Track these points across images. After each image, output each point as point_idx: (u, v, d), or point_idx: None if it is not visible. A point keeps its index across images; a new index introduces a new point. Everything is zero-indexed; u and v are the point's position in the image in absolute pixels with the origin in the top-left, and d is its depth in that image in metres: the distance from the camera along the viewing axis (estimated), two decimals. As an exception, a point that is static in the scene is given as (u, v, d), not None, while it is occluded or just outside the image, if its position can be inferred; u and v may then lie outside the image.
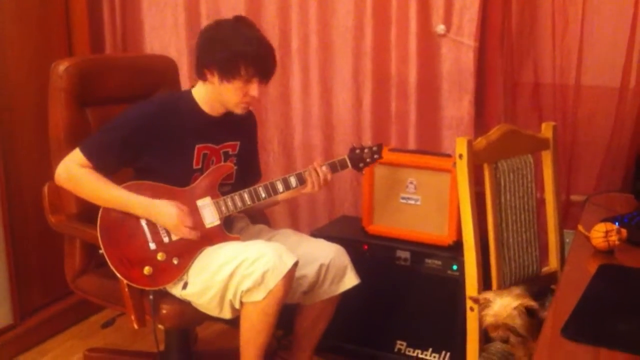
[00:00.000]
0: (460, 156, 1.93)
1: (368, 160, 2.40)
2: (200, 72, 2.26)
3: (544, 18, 2.74)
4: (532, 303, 1.74)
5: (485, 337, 1.95)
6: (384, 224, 2.74)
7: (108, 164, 2.23)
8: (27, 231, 2.95)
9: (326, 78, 3.09)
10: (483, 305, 1.80)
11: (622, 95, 2.63)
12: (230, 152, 2.39)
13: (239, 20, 2.28)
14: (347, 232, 2.83)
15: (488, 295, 1.82)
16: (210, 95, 2.29)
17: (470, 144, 1.94)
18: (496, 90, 2.85)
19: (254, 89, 2.22)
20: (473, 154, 1.94)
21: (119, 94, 2.53)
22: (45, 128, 2.43)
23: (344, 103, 3.08)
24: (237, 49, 2.18)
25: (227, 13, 2.91)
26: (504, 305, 1.75)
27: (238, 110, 2.29)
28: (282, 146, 3.23)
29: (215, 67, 2.21)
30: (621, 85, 2.63)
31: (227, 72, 2.19)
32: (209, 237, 2.27)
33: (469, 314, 1.95)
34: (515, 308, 1.73)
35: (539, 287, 1.99)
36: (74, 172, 2.23)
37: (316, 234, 2.72)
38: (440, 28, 2.84)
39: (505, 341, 1.76)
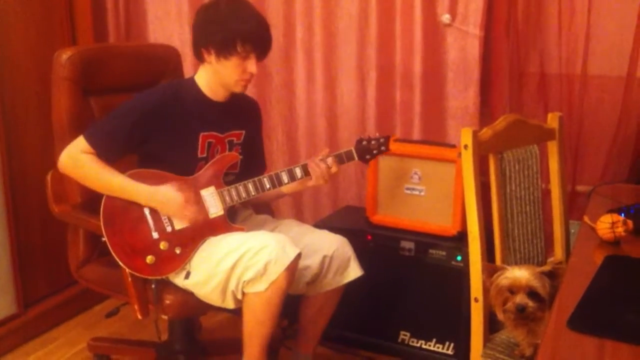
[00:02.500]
0: (466, 146, 1.92)
1: (375, 151, 2.39)
2: (198, 52, 2.26)
3: (550, 7, 2.72)
4: (555, 268, 1.71)
5: (490, 328, 1.95)
6: (388, 215, 2.73)
7: (112, 151, 2.23)
8: (31, 220, 2.95)
9: (331, 67, 3.07)
10: (499, 273, 1.75)
11: (628, 85, 2.62)
12: (235, 141, 2.38)
13: None
14: (351, 222, 2.83)
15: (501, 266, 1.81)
16: (211, 77, 2.28)
17: (475, 134, 1.92)
18: (502, 80, 2.83)
19: (251, 65, 2.22)
20: (478, 144, 1.93)
21: (122, 83, 2.52)
22: (49, 117, 2.42)
23: (348, 93, 3.07)
24: (233, 26, 2.17)
25: (231, 2, 2.90)
26: (523, 272, 1.71)
27: (238, 89, 2.29)
28: (286, 135, 3.22)
29: (212, 46, 2.20)
30: (628, 75, 2.61)
31: (224, 50, 2.19)
32: (213, 227, 2.26)
33: (473, 304, 1.94)
34: (540, 273, 1.69)
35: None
36: (78, 158, 2.22)
37: (320, 224, 2.71)
38: (446, 17, 2.82)
39: (522, 309, 1.68)
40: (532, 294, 1.69)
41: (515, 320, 1.74)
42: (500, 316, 1.77)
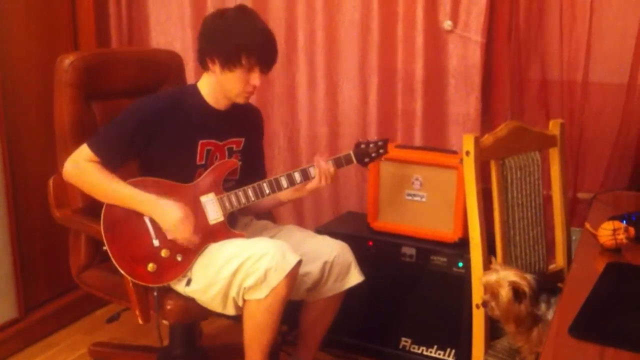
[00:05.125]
0: (467, 153, 1.92)
1: (373, 155, 2.39)
2: (202, 60, 2.26)
3: (552, 14, 2.72)
4: (524, 286, 1.78)
5: (491, 334, 1.95)
6: (389, 221, 2.73)
7: (115, 158, 2.23)
8: (33, 225, 2.95)
9: (332, 73, 3.07)
10: (490, 270, 1.86)
11: (630, 92, 2.62)
12: (235, 149, 2.38)
13: (241, 9, 2.27)
14: (352, 228, 2.82)
15: (497, 265, 1.89)
16: (214, 86, 2.29)
17: (477, 140, 1.92)
18: (503, 87, 2.83)
19: (255, 78, 2.22)
20: (480, 150, 1.93)
21: (125, 88, 2.53)
22: (51, 122, 2.43)
23: (350, 98, 3.07)
24: (239, 39, 2.17)
25: (233, 8, 2.91)
26: (501, 275, 1.81)
27: (240, 100, 2.29)
28: (287, 141, 3.22)
29: (217, 57, 2.20)
30: (629, 82, 2.61)
31: (229, 62, 2.19)
32: (213, 234, 2.26)
33: (474, 311, 1.95)
34: (508, 281, 1.79)
35: (551, 285, 1.97)
36: (82, 167, 2.22)
37: (321, 230, 2.71)
38: (447, 24, 2.82)
39: (485, 305, 1.83)
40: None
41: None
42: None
